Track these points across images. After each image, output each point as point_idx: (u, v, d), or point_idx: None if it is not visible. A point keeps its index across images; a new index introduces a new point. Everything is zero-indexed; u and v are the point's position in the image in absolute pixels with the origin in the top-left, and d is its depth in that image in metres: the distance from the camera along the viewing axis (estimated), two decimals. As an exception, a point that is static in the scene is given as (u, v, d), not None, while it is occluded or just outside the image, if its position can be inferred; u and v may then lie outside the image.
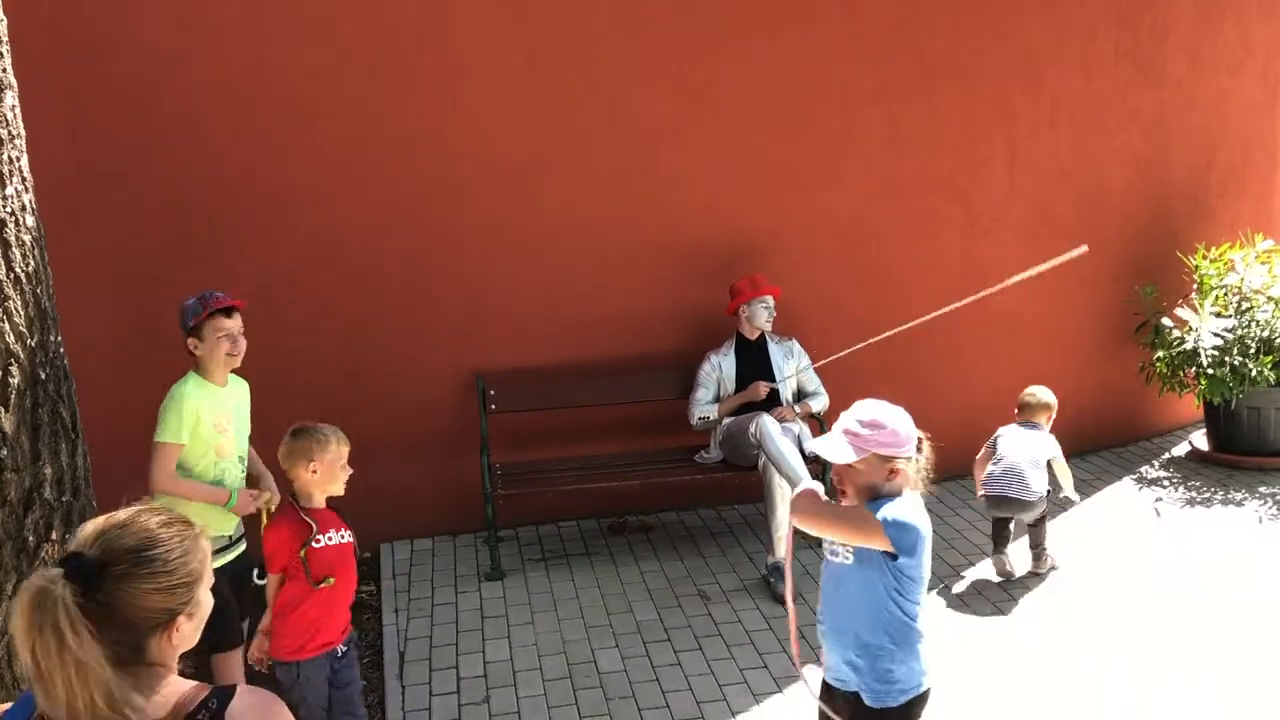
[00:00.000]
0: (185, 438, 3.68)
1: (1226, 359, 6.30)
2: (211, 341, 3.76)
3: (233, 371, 3.93)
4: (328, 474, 3.46)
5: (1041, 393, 5.35)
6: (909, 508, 2.70)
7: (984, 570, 5.33)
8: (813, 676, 2.99)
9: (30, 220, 3.19)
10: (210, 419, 3.74)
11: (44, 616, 1.53)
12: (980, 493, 5.25)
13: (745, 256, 5.88)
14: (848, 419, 2.73)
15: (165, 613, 1.66)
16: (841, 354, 3.93)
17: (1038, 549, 5.25)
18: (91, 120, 5.07)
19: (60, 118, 4.99)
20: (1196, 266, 6.59)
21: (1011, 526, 5.29)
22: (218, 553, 3.71)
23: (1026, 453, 5.13)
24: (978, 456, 5.30)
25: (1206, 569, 5.20)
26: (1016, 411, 5.35)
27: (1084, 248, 3.72)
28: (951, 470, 6.41)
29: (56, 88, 4.97)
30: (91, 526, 1.69)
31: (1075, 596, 5.00)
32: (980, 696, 4.21)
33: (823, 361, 4.72)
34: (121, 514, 1.71)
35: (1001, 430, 5.28)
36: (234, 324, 3.81)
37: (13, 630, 1.57)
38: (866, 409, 2.74)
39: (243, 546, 3.98)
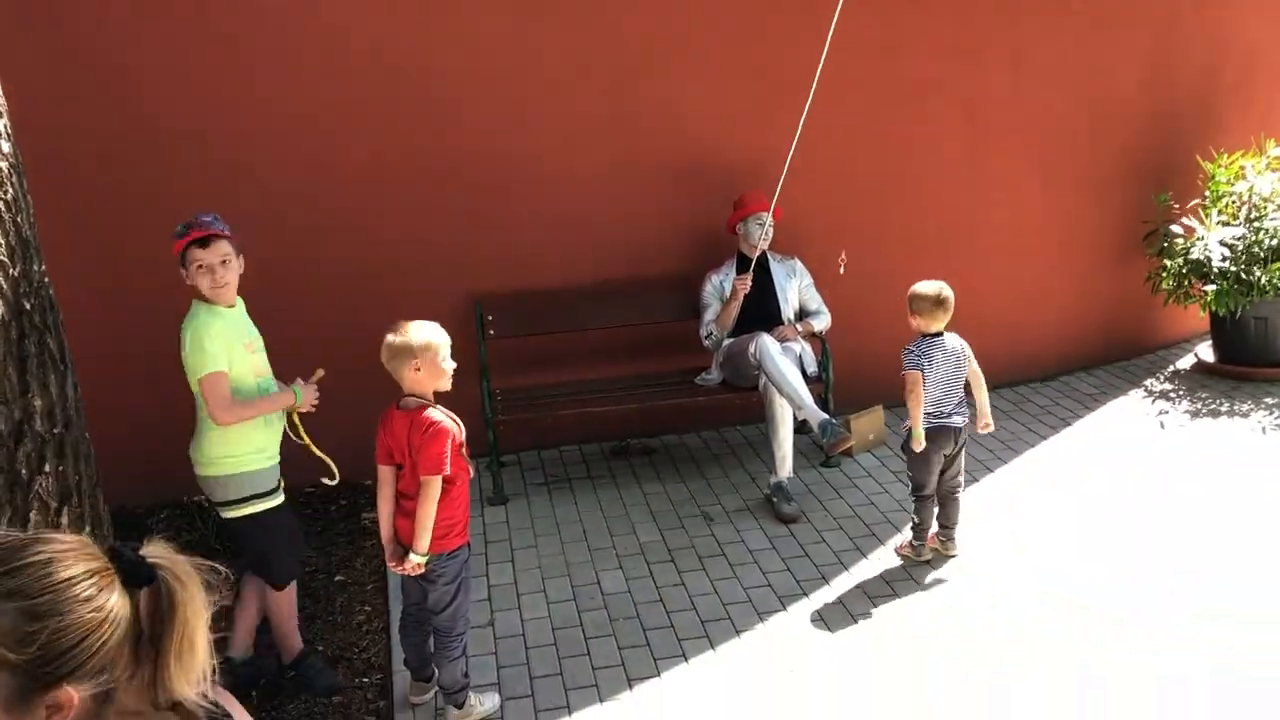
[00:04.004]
0: (225, 365, 3.55)
1: (1235, 268, 6.21)
2: (192, 273, 3.58)
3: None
4: (432, 371, 3.48)
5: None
6: None
7: (987, 483, 5.31)
8: None
9: (6, 147, 3.11)
10: (238, 341, 3.61)
11: None
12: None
13: (744, 173, 5.77)
14: None
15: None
16: None
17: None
18: (69, 46, 4.94)
19: (36, 43, 4.87)
20: (1213, 174, 6.46)
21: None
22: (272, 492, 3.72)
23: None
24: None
25: (1214, 481, 5.18)
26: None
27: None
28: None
29: (32, 12, 4.84)
30: None
31: (1084, 513, 4.99)
32: (992, 610, 4.22)
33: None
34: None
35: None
36: (210, 255, 3.56)
37: None
38: None
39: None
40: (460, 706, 3.69)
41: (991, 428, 4.61)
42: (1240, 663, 3.77)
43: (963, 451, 4.59)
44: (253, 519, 3.68)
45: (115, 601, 1.28)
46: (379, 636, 4.29)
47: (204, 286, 3.56)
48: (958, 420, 4.51)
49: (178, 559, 1.37)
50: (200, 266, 3.55)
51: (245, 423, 3.59)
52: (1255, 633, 3.93)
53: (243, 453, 3.62)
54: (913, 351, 4.48)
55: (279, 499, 3.73)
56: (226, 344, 3.56)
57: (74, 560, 1.29)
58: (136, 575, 1.31)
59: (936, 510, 4.65)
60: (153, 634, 1.31)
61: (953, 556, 4.62)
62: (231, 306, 3.65)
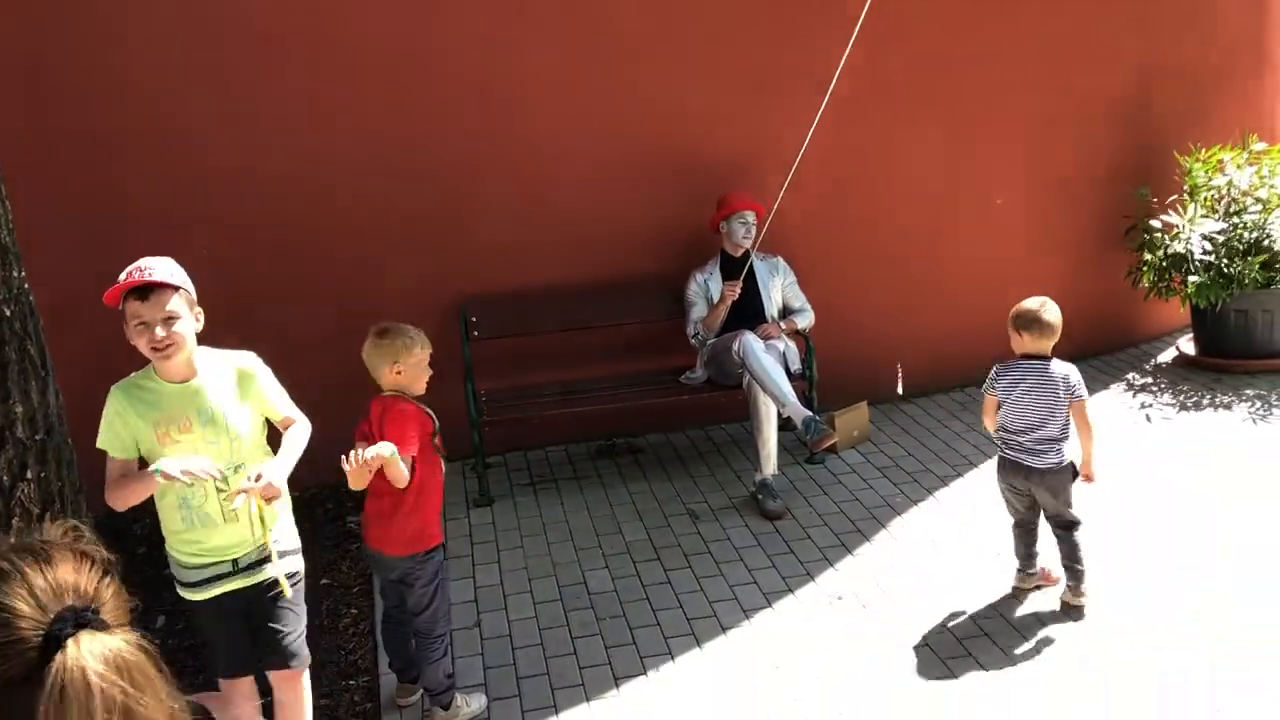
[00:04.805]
0: (113, 446, 2.94)
1: (1217, 260, 6.25)
2: (130, 331, 2.85)
3: (224, 347, 3.10)
4: (412, 375, 3.51)
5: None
6: None
7: (972, 479, 5.34)
8: None
9: (-17, 153, 3.09)
10: (149, 424, 2.91)
11: None
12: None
13: (728, 172, 5.78)
14: None
15: None
16: None
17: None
18: (49, 49, 4.92)
19: (15, 45, 4.85)
20: (1189, 170, 6.50)
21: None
22: (216, 579, 3.07)
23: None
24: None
25: (1201, 474, 5.22)
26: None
27: None
28: (939, 383, 6.43)
29: (9, 16, 4.83)
30: None
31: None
32: (987, 605, 4.24)
33: None
34: None
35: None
36: (148, 310, 2.81)
37: None
38: None
39: (261, 574, 3.10)
40: (446, 708, 3.69)
41: (1093, 480, 4.08)
42: (1241, 658, 3.78)
43: (1053, 494, 4.04)
44: (186, 602, 3.17)
45: (12, 649, 1.20)
46: (365, 639, 4.29)
47: (141, 347, 2.87)
48: (1030, 460, 4.01)
49: (107, 673, 1.20)
50: (138, 324, 2.83)
51: (166, 506, 3.03)
52: (1256, 628, 3.95)
53: (167, 531, 3.08)
54: (993, 372, 4.10)
55: (199, 596, 3.09)
56: (126, 425, 2.92)
57: (21, 595, 1.23)
58: (46, 643, 1.21)
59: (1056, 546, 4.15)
60: None
61: (1078, 607, 4.10)
62: (180, 380, 2.94)
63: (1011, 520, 4.26)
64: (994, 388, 4.09)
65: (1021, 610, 4.16)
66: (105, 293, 2.85)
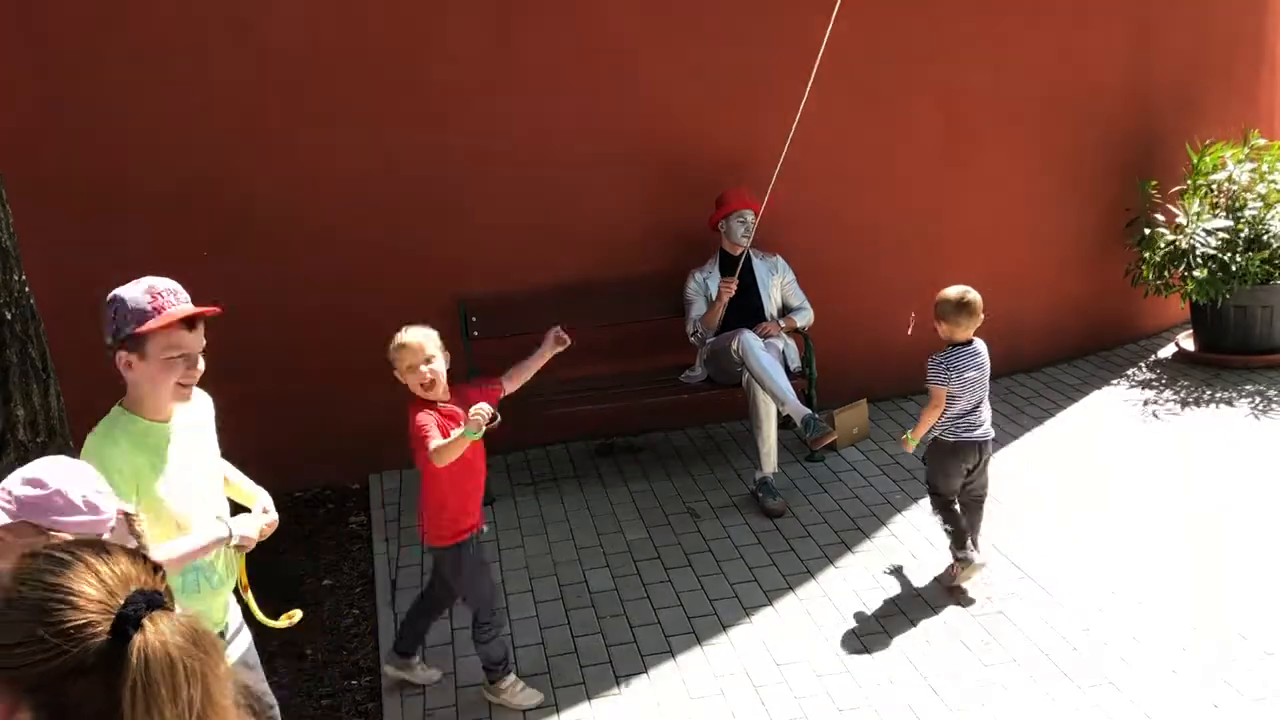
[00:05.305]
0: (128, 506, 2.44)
1: (1219, 255, 6.25)
2: (157, 364, 2.47)
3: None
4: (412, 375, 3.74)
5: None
6: None
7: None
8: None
9: (-17, 157, 3.11)
10: (155, 475, 2.52)
11: None
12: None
13: (726, 171, 5.78)
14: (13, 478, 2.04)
15: None
16: None
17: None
18: (49, 53, 4.93)
19: (12, 51, 4.87)
20: (1197, 165, 6.50)
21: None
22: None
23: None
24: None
25: (1197, 469, 5.22)
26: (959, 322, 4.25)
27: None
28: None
29: (13, 20, 4.84)
30: None
31: (1072, 503, 5.02)
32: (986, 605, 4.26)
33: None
34: None
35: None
36: (195, 341, 2.51)
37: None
38: (35, 468, 2.05)
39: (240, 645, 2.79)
40: (493, 683, 3.84)
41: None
42: (1241, 656, 3.80)
43: (986, 465, 4.32)
44: None
45: (82, 633, 1.22)
46: (367, 639, 4.30)
47: (172, 378, 2.50)
48: (984, 433, 4.26)
49: (181, 653, 1.23)
50: (179, 356, 2.49)
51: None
52: (1256, 626, 3.97)
53: None
54: (940, 363, 4.23)
55: None
56: (123, 475, 2.45)
57: (88, 580, 1.25)
58: (118, 627, 1.23)
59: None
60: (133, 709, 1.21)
61: (981, 565, 4.28)
62: (166, 419, 2.58)
63: (945, 498, 4.31)
64: (948, 379, 4.20)
65: (1022, 608, 4.18)
66: (152, 322, 2.43)
